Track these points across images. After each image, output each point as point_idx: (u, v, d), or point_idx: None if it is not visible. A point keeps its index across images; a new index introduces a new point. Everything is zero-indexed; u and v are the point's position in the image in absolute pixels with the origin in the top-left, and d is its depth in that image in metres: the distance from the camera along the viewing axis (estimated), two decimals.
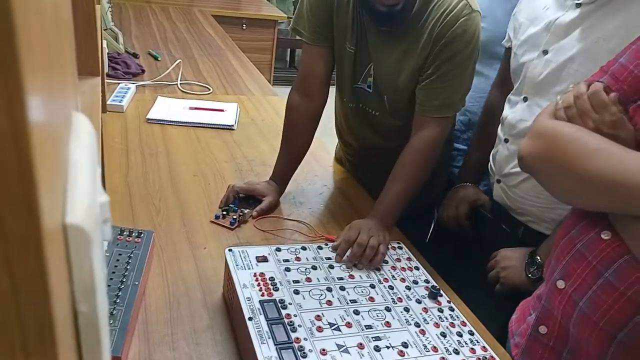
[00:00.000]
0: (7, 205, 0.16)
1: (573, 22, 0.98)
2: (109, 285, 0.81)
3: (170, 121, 1.55)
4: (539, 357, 0.76)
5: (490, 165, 1.19)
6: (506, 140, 1.11)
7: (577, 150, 0.67)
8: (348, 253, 0.94)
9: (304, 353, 0.70)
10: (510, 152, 1.09)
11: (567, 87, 1.00)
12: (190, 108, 1.65)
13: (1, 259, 0.17)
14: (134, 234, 0.94)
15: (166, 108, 1.62)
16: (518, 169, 1.08)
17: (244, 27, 3.47)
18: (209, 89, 1.88)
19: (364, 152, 1.37)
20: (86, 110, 0.31)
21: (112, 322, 0.75)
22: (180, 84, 1.87)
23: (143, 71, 1.93)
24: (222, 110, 1.67)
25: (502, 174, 1.12)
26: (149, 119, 1.54)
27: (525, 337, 0.79)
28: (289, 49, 5.07)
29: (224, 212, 1.13)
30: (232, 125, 1.59)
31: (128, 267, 0.86)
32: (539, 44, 1.03)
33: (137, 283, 0.83)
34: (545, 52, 1.02)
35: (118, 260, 0.87)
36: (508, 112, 1.12)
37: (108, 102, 1.54)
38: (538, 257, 0.99)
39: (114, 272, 0.84)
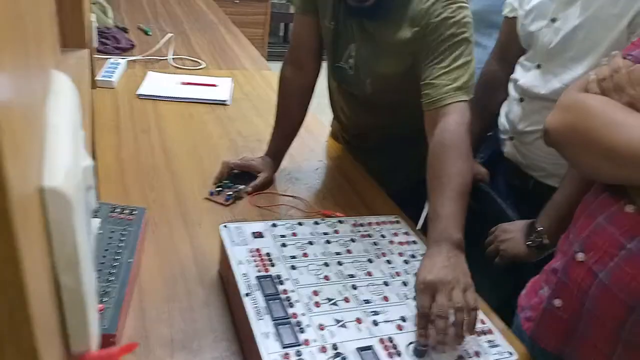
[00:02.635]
0: None
1: None
2: (102, 263, 0.80)
3: (162, 97, 1.51)
4: (553, 329, 0.76)
5: (502, 123, 1.19)
6: (521, 100, 1.11)
7: (605, 122, 0.66)
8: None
9: (302, 328, 0.69)
10: (526, 111, 1.10)
11: (577, 53, 0.99)
12: (182, 83, 1.62)
13: None
14: (126, 211, 0.92)
15: (157, 83, 1.59)
16: (533, 127, 1.09)
17: (237, 1, 3.40)
18: (202, 64, 1.84)
19: (356, 128, 1.35)
20: (74, 84, 0.30)
21: (106, 299, 0.73)
22: (172, 58, 1.82)
23: (133, 46, 1.88)
24: (215, 85, 1.63)
25: (516, 132, 1.13)
26: (140, 95, 1.50)
27: (538, 311, 0.79)
28: (282, 24, 4.98)
29: (219, 189, 1.11)
30: (226, 101, 1.56)
31: (121, 244, 0.84)
32: (546, 12, 1.04)
33: (130, 260, 0.82)
34: (553, 20, 1.03)
35: (111, 237, 0.86)
36: (521, 76, 1.12)
37: (98, 78, 1.50)
38: (538, 226, 0.98)
39: (106, 250, 0.83)
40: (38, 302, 0.17)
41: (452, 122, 0.92)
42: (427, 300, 0.71)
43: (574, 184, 0.91)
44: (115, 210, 0.92)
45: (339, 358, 0.64)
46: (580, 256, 0.71)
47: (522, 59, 1.15)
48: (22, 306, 0.16)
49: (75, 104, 0.26)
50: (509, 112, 1.16)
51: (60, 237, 0.19)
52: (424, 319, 0.71)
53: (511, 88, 1.17)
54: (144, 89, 1.53)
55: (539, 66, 1.08)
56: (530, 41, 1.10)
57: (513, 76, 1.15)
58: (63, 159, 0.21)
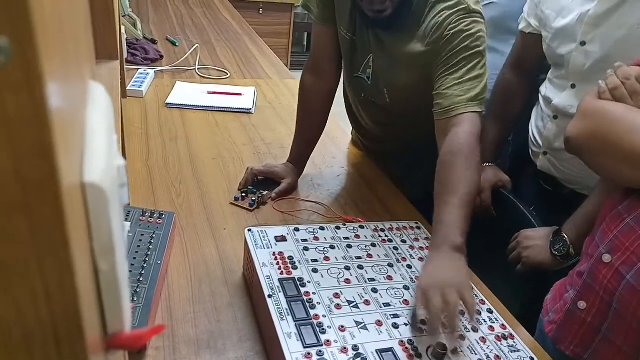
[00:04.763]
0: (29, 167, 0.17)
1: (608, 11, 0.97)
2: (132, 264, 0.83)
3: (189, 106, 1.56)
4: (575, 332, 0.76)
5: (534, 137, 1.19)
6: (555, 117, 1.11)
7: (626, 127, 0.67)
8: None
9: (323, 329, 0.71)
10: (561, 129, 1.09)
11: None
12: (209, 92, 1.66)
13: (23, 212, 0.17)
14: (155, 215, 0.96)
15: (185, 93, 1.64)
16: None
17: (261, 12, 3.46)
18: (227, 74, 1.88)
19: (374, 136, 1.36)
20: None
21: (135, 299, 0.77)
22: (198, 68, 1.88)
23: (161, 57, 1.95)
24: (240, 94, 1.67)
25: (552, 148, 1.13)
26: (168, 104, 1.55)
27: (561, 314, 0.79)
28: (306, 33, 5.03)
29: (243, 194, 1.14)
30: (250, 109, 1.59)
31: (150, 247, 0.88)
32: (574, 35, 1.03)
33: (159, 262, 0.85)
34: (583, 44, 1.02)
35: (141, 240, 0.89)
36: (554, 95, 1.11)
37: (128, 88, 1.56)
38: (564, 235, 0.98)
39: (137, 252, 0.86)
40: (83, 282, 0.19)
41: (462, 132, 0.92)
42: (424, 303, 0.72)
43: (604, 194, 0.90)
44: (145, 215, 0.95)
45: (359, 359, 0.65)
46: (606, 257, 0.71)
47: (552, 75, 1.14)
48: (72, 286, 0.18)
49: (109, 110, 0.29)
50: (542, 128, 1.15)
51: (97, 226, 0.22)
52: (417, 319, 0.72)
53: (542, 104, 1.16)
54: (172, 98, 1.58)
55: (573, 86, 1.07)
56: (560, 62, 1.09)
57: (545, 94, 1.14)
58: (100, 158, 0.23)
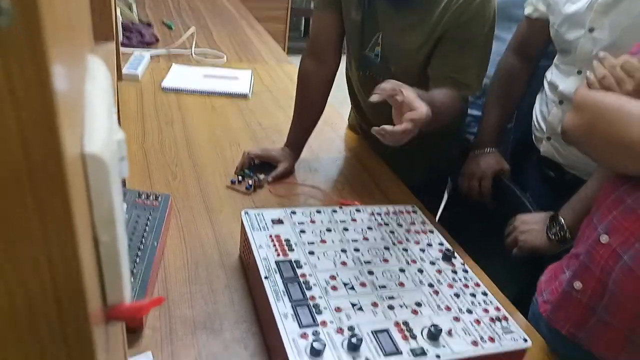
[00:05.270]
0: (33, 138, 0.17)
1: None
2: (128, 246, 0.83)
3: (185, 89, 1.55)
4: (571, 312, 0.77)
5: (538, 123, 1.19)
6: (560, 102, 1.11)
7: (621, 118, 0.67)
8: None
9: (319, 310, 0.72)
10: (565, 114, 1.10)
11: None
12: (205, 76, 1.65)
13: (27, 181, 0.18)
14: (151, 197, 0.96)
15: (181, 76, 1.63)
16: None
17: None
18: (223, 57, 1.87)
19: (375, 119, 1.36)
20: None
21: (132, 280, 0.77)
22: (195, 52, 1.86)
23: (157, 40, 1.93)
24: (237, 78, 1.66)
25: (556, 134, 1.13)
26: (164, 87, 1.54)
27: (556, 294, 0.80)
28: (303, 18, 5.00)
29: (240, 178, 1.14)
30: (247, 93, 1.59)
31: (147, 228, 0.88)
32: (583, 21, 1.03)
33: (155, 244, 0.85)
34: (591, 30, 1.02)
35: (137, 222, 0.89)
36: (560, 81, 1.11)
37: (123, 71, 1.55)
38: (561, 219, 0.98)
39: (133, 234, 0.86)
40: (84, 252, 0.19)
41: (450, 94, 1.03)
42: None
43: (603, 180, 0.91)
44: (141, 197, 0.95)
45: (354, 339, 0.66)
46: (604, 238, 0.72)
47: (558, 61, 1.14)
48: (74, 255, 0.19)
49: (108, 84, 0.29)
50: (547, 114, 1.16)
51: (98, 197, 0.22)
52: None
53: (548, 90, 1.16)
54: (167, 82, 1.57)
55: (579, 72, 1.07)
56: (568, 47, 1.09)
57: (551, 80, 1.15)
58: (100, 131, 0.23)
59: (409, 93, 0.83)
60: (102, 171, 0.21)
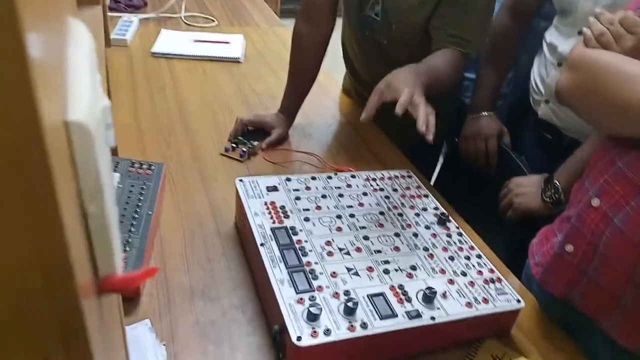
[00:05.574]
0: (10, 107, 0.16)
1: None
2: (122, 215, 0.83)
3: (175, 54, 1.52)
4: (562, 275, 0.78)
5: (536, 85, 1.18)
6: (559, 64, 1.09)
7: (617, 78, 0.66)
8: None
9: (315, 276, 0.72)
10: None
11: None
12: (195, 41, 1.62)
13: (6, 151, 0.17)
14: (145, 166, 0.95)
15: (171, 41, 1.59)
16: None
17: None
18: (214, 21, 1.82)
19: (372, 82, 1.34)
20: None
21: (128, 249, 0.77)
22: (184, 16, 1.81)
23: (145, 4, 1.87)
24: (228, 43, 1.63)
25: (554, 96, 1.12)
26: (154, 53, 1.51)
27: (548, 257, 0.80)
28: None
29: (234, 145, 1.13)
30: (239, 58, 1.55)
31: (141, 197, 0.87)
32: None
33: (150, 213, 0.85)
34: None
35: (131, 191, 0.89)
36: (560, 42, 1.09)
37: (112, 36, 1.51)
38: (556, 181, 0.98)
39: (127, 203, 0.86)
40: (70, 223, 0.19)
41: (450, 59, 1.05)
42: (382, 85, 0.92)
43: (598, 142, 0.91)
44: (134, 166, 0.94)
45: (351, 303, 0.67)
46: (595, 202, 0.72)
47: (558, 22, 1.11)
48: (59, 227, 0.18)
49: (91, 48, 0.27)
50: (545, 76, 1.14)
51: (84, 166, 0.21)
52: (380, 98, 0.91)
53: (547, 51, 1.14)
54: (157, 47, 1.53)
55: (580, 33, 1.05)
56: (568, 8, 1.06)
57: (550, 41, 1.12)
58: (84, 97, 0.22)
59: (418, 99, 0.87)
60: (86, 139, 0.21)
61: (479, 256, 0.83)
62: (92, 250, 0.23)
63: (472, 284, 0.77)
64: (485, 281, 0.78)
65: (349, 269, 0.75)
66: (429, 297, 0.71)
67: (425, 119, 0.84)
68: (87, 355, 0.20)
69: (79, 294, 0.19)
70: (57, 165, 0.18)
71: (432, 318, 0.69)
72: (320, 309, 0.65)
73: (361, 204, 0.90)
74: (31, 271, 0.19)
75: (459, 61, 1.06)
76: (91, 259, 0.23)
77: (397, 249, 0.81)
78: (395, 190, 0.96)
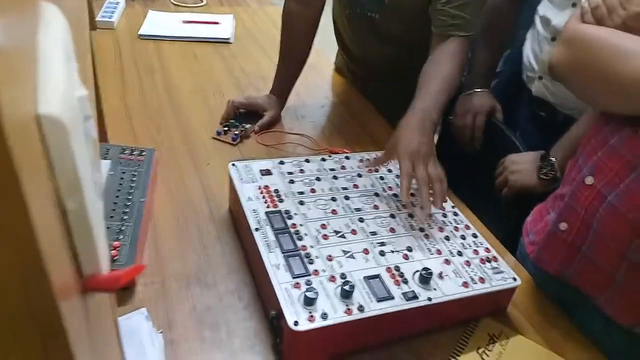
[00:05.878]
0: None
1: None
2: (115, 203, 0.82)
3: (164, 36, 1.49)
4: (556, 253, 0.78)
5: (530, 61, 1.16)
6: (553, 39, 1.07)
7: (611, 53, 0.65)
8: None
9: (311, 259, 0.72)
10: None
11: None
12: (184, 22, 1.58)
13: None
14: (135, 152, 0.93)
15: (159, 23, 1.55)
16: None
17: None
18: (203, 1, 1.78)
19: (365, 60, 1.32)
20: (74, 27, 0.29)
21: (122, 237, 0.76)
22: None
23: None
24: (218, 23, 1.59)
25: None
26: (141, 35, 1.48)
27: (542, 235, 0.80)
28: None
29: (226, 128, 1.12)
30: (229, 39, 1.52)
31: (133, 184, 0.86)
32: None
33: (143, 200, 0.84)
34: None
35: (122, 178, 0.87)
36: (554, 15, 1.07)
37: (97, 19, 1.47)
38: (552, 158, 0.98)
39: (119, 190, 0.85)
40: (42, 222, 0.18)
41: (454, 47, 1.03)
42: (407, 165, 0.84)
43: (593, 119, 0.90)
44: (125, 152, 0.93)
45: (347, 286, 0.66)
46: (589, 180, 0.72)
47: None
48: (28, 227, 0.17)
49: (66, 34, 0.26)
50: (538, 52, 1.12)
51: (60, 162, 0.20)
52: (409, 181, 0.84)
53: (539, 26, 1.12)
54: (145, 29, 1.50)
55: (574, 5, 1.02)
56: None
57: (544, 14, 1.10)
58: (56, 88, 0.21)
59: (420, 175, 0.85)
60: (60, 133, 0.19)
61: (474, 235, 0.83)
62: (74, 249, 0.22)
63: (468, 263, 0.76)
64: (482, 260, 0.78)
65: (345, 252, 0.74)
66: (425, 277, 0.71)
67: (427, 204, 0.83)
68: (67, 356, 0.19)
69: (55, 295, 0.18)
70: (25, 161, 0.17)
71: (429, 299, 0.69)
72: (317, 293, 0.65)
73: (356, 186, 0.89)
74: (6, 272, 0.18)
75: (464, 48, 1.04)
76: (73, 257, 0.22)
77: (392, 230, 0.80)
78: (390, 171, 0.95)
